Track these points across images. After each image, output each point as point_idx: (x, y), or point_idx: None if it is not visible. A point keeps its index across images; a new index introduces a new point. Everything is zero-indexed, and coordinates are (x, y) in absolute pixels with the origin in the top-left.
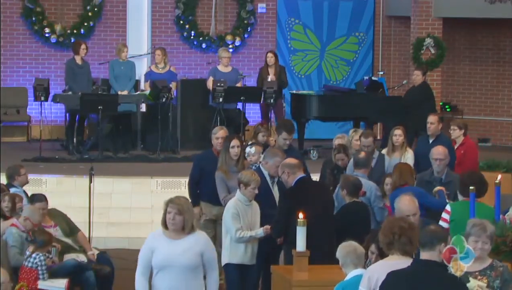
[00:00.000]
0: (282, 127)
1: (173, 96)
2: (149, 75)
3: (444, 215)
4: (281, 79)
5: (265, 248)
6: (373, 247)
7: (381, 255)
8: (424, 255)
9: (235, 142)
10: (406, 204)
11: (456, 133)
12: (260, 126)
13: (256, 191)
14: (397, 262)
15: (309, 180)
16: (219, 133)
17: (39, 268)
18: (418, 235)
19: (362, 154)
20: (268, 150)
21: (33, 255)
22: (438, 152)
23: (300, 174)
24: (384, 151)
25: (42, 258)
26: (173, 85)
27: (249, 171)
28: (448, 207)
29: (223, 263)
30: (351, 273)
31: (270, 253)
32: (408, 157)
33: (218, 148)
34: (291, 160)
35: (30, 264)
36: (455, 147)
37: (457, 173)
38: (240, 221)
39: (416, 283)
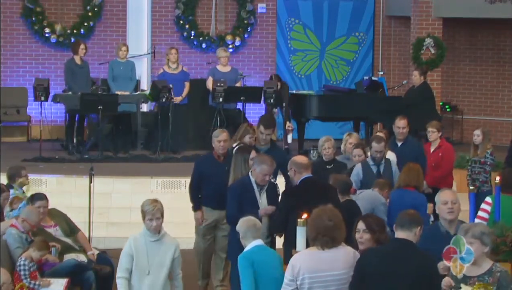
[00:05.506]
0: (260, 121)
1: (173, 96)
2: (162, 75)
3: (484, 206)
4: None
5: None
6: (360, 224)
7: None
8: (401, 235)
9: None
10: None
11: (434, 136)
12: (248, 127)
13: (154, 223)
14: (319, 251)
15: (314, 180)
16: (221, 136)
17: (21, 272)
18: (343, 232)
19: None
20: (257, 156)
21: (22, 257)
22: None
23: (306, 174)
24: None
25: (25, 262)
26: (186, 85)
27: (150, 199)
28: (488, 199)
29: None
30: (251, 244)
31: None
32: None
33: (219, 151)
34: (300, 158)
35: (17, 267)
36: (432, 150)
37: (436, 175)
38: (132, 262)
39: (391, 259)
